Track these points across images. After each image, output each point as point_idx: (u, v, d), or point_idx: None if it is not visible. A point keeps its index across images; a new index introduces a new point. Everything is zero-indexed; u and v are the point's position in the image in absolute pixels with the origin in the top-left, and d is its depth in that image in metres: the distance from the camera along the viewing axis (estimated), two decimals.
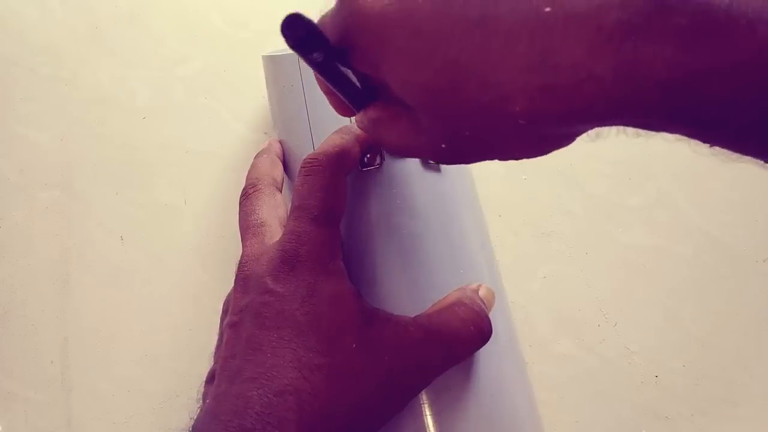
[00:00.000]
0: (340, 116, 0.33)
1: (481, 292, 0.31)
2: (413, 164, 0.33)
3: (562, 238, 0.44)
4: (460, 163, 0.27)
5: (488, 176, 0.43)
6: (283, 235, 0.30)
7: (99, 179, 0.46)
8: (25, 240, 0.45)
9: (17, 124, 0.47)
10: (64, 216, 0.46)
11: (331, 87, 0.26)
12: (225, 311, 0.32)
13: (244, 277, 0.30)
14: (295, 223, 0.29)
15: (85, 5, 0.47)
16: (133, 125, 0.46)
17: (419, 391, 0.28)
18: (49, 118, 0.47)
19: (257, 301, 0.28)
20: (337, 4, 0.23)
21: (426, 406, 0.29)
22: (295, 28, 0.20)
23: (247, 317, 0.28)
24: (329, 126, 0.33)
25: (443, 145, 0.24)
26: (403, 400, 0.28)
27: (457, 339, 0.29)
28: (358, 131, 0.32)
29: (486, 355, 0.30)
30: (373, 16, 0.21)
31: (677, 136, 0.20)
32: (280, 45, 0.45)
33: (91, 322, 0.45)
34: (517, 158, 0.24)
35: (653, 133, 0.21)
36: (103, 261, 0.45)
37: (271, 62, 0.37)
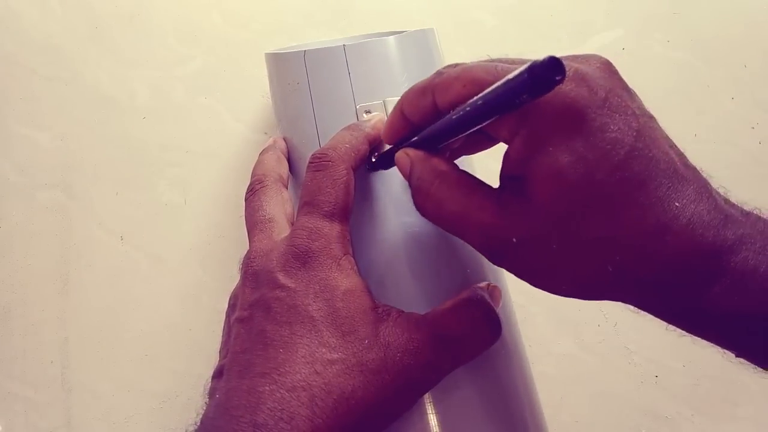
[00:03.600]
0: (346, 114, 0.33)
1: (489, 291, 0.31)
2: None
3: None
4: (496, 264, 0.27)
5: (489, 177, 0.43)
6: (293, 230, 0.29)
7: (99, 179, 0.46)
8: (25, 240, 0.45)
9: (17, 124, 0.46)
10: (64, 216, 0.45)
11: (459, 115, 0.25)
12: (232, 306, 0.32)
13: (253, 273, 0.30)
14: (305, 219, 0.29)
15: (85, 5, 0.47)
16: (133, 125, 0.46)
17: (429, 389, 0.28)
18: (49, 118, 0.46)
19: (268, 296, 0.28)
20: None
21: (430, 404, 0.29)
22: (554, 71, 0.20)
23: (258, 312, 0.28)
24: (335, 124, 0.33)
25: (514, 240, 0.24)
26: (412, 398, 0.28)
27: (468, 338, 0.28)
28: (368, 129, 0.32)
29: (490, 354, 0.30)
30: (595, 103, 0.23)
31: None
32: (280, 44, 0.45)
33: (91, 321, 0.44)
34: (554, 290, 0.26)
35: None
36: (103, 261, 0.45)
37: (276, 60, 0.37)
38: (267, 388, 0.26)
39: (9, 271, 0.45)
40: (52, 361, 0.44)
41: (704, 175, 0.25)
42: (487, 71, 0.24)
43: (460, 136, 0.26)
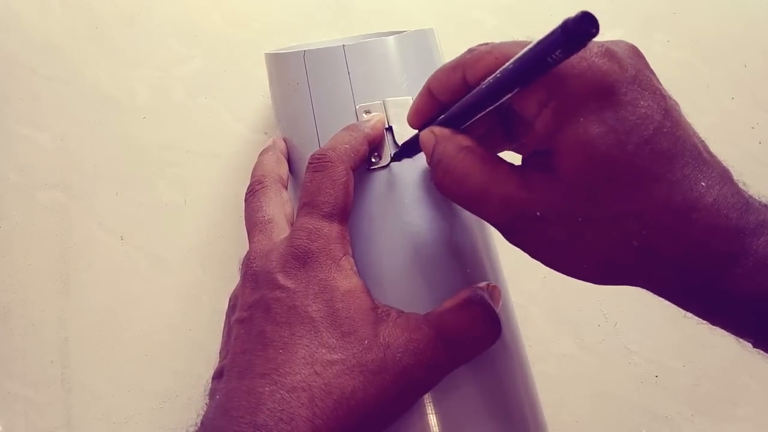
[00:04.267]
0: (346, 114, 0.33)
1: (489, 291, 0.31)
2: (420, 164, 0.33)
3: None
4: (513, 242, 0.27)
5: None
6: (293, 231, 0.29)
7: (99, 179, 0.46)
8: (25, 240, 0.45)
9: (17, 124, 0.46)
10: (64, 216, 0.45)
11: (485, 88, 0.25)
12: (232, 307, 0.32)
13: (253, 273, 0.30)
14: (305, 219, 0.29)
15: (85, 5, 0.47)
16: (133, 125, 0.46)
17: (429, 389, 0.28)
18: (49, 118, 0.46)
19: (268, 296, 0.28)
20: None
21: (430, 404, 0.29)
22: (588, 24, 0.20)
23: (258, 313, 0.28)
24: (335, 124, 0.33)
25: (538, 213, 0.24)
26: (413, 399, 0.28)
27: (468, 339, 0.28)
28: (367, 129, 0.32)
29: (490, 353, 0.30)
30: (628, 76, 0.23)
31: None
32: (280, 44, 0.45)
33: (91, 321, 0.44)
34: (574, 270, 0.26)
35: None
36: (103, 261, 0.45)
37: (276, 60, 0.37)
38: (267, 388, 0.26)
39: (9, 271, 0.45)
40: (52, 361, 0.44)
41: (725, 165, 0.25)
42: (519, 45, 0.24)
43: (489, 109, 0.26)
